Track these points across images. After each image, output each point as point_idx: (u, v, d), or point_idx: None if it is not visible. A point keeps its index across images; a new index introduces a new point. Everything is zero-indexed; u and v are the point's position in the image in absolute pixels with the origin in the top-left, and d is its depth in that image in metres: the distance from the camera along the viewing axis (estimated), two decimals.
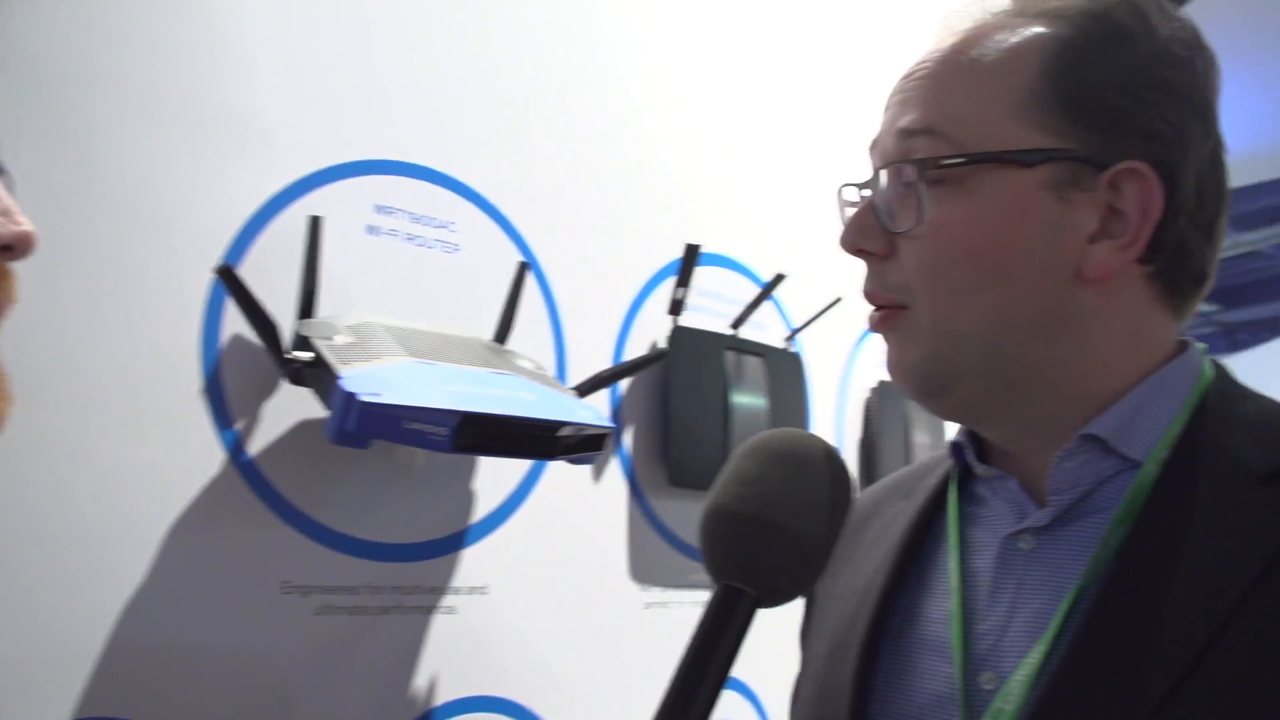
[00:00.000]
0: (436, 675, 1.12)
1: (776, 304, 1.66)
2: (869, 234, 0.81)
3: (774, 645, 1.50)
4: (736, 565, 0.70)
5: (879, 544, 0.91)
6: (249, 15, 1.06)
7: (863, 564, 0.91)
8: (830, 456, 0.75)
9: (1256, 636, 0.65)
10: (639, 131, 1.48)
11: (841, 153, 1.87)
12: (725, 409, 1.45)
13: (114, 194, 0.96)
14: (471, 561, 1.17)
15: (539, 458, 1.04)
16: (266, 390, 1.04)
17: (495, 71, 1.29)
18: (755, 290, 1.59)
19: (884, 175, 0.81)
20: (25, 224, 0.65)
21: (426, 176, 1.20)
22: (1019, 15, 0.81)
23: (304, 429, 1.06)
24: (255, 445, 1.02)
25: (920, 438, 1.83)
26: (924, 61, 0.82)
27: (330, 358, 0.96)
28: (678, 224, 1.50)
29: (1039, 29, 0.79)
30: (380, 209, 1.15)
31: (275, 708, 1.00)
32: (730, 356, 1.49)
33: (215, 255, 1.02)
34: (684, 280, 1.43)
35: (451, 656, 1.13)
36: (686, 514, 1.45)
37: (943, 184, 0.77)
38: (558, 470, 1.27)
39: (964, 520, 0.86)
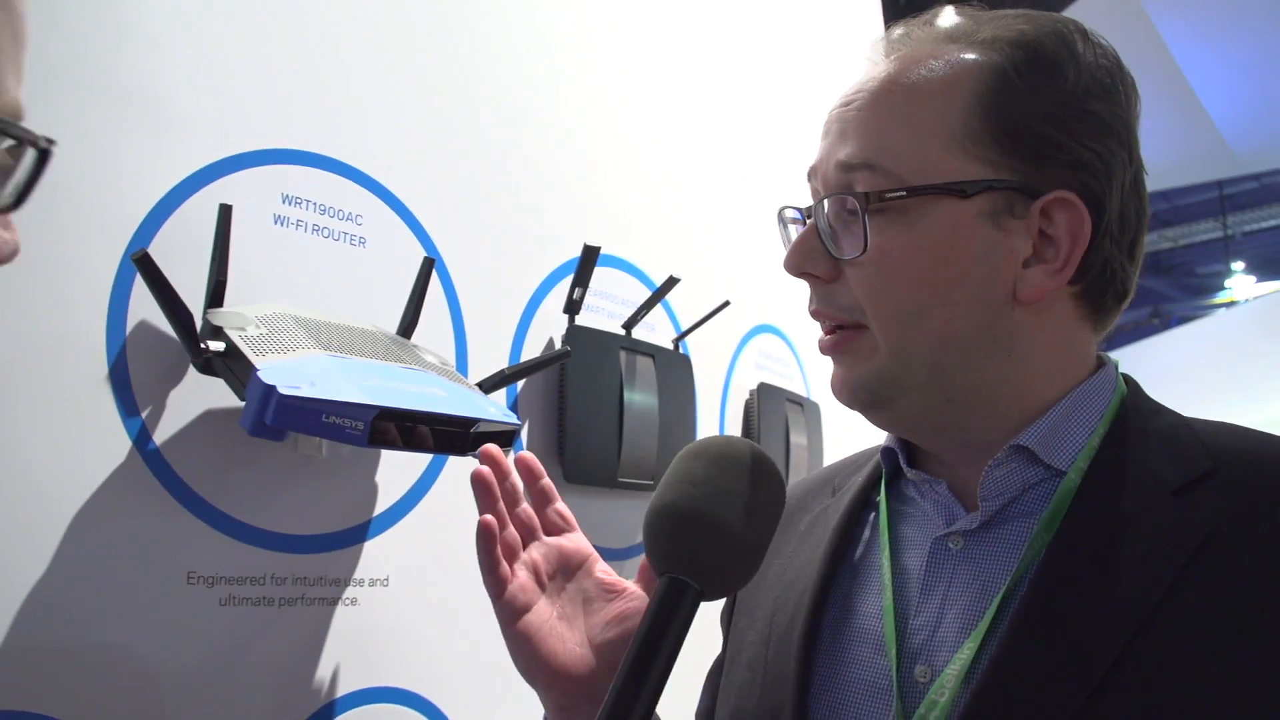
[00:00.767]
0: (339, 666, 1.12)
1: (666, 306, 1.71)
2: (814, 259, 0.85)
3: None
4: (684, 560, 0.72)
5: (809, 538, 0.96)
6: None
7: (793, 556, 0.96)
8: (766, 461, 0.79)
9: (1175, 634, 0.72)
10: (542, 135, 1.51)
11: (736, 163, 1.94)
12: (620, 408, 1.49)
13: None
14: (373, 554, 1.18)
15: (451, 453, 1.06)
16: (173, 378, 1.03)
17: (406, 70, 1.30)
18: (645, 292, 1.63)
19: (826, 204, 0.84)
20: (15, 234, 0.63)
21: (335, 169, 1.20)
22: (950, 42, 0.86)
23: (210, 418, 1.05)
24: (161, 434, 1.01)
25: (798, 439, 1.91)
26: (859, 90, 0.86)
27: (245, 349, 0.96)
28: (575, 225, 1.53)
29: (971, 57, 0.83)
30: (288, 199, 1.15)
31: (180, 698, 0.99)
32: (624, 356, 1.53)
33: (121, 240, 1.00)
34: (581, 280, 1.46)
35: (354, 648, 1.14)
36: (581, 509, 1.47)
37: (884, 214, 0.81)
38: (457, 465, 1.29)
39: (893, 519, 0.92)
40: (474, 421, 1.05)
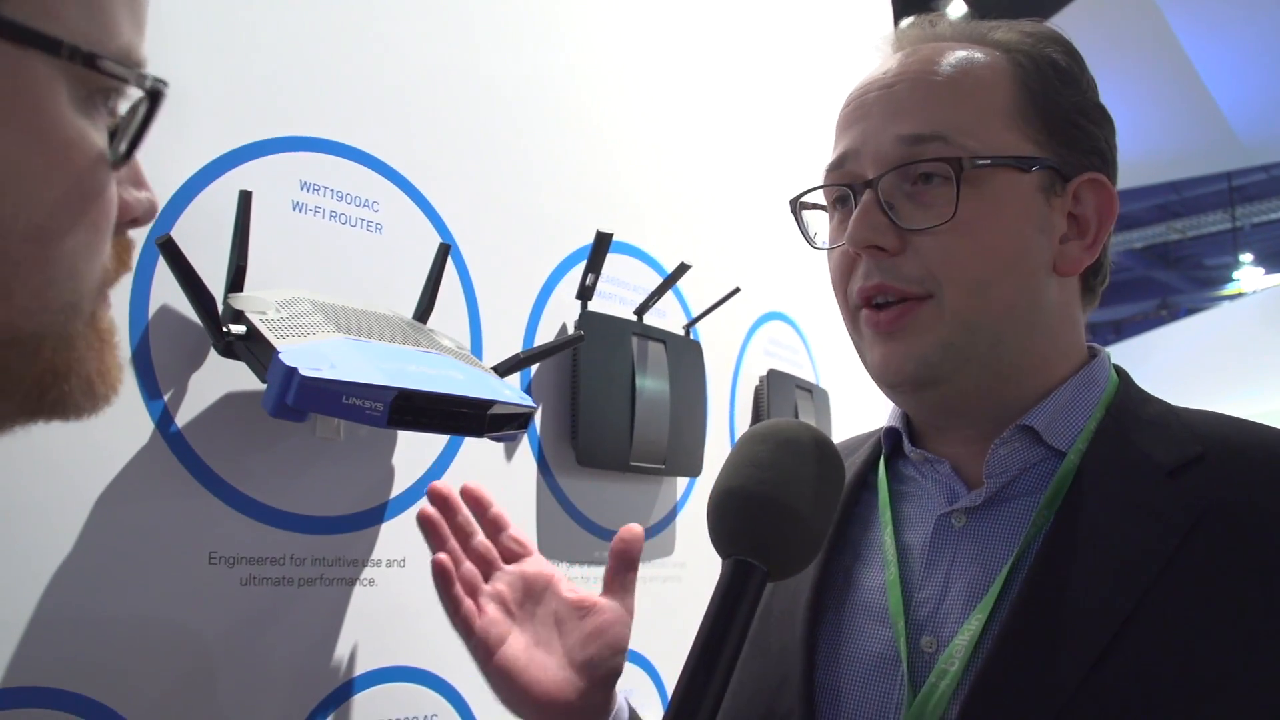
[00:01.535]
0: (357, 645, 1.14)
1: (677, 293, 1.72)
2: (882, 231, 0.86)
3: (662, 617, 1.57)
4: (751, 542, 0.72)
5: None
6: None
7: None
8: (828, 445, 0.80)
9: (1174, 605, 0.75)
10: (556, 124, 1.52)
11: (747, 153, 1.95)
12: (632, 393, 1.50)
13: None
14: (391, 535, 1.19)
15: (468, 434, 1.07)
16: (194, 362, 1.05)
17: (423, 59, 1.31)
18: (657, 279, 1.65)
19: (888, 177, 0.86)
20: (153, 192, 0.61)
21: (353, 156, 1.21)
22: (974, 39, 0.91)
23: (231, 401, 1.06)
24: (183, 416, 1.03)
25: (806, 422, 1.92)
26: (899, 74, 0.88)
27: (266, 332, 0.97)
28: (588, 213, 1.55)
29: (1002, 52, 0.89)
30: (306, 186, 1.16)
31: (201, 677, 1.01)
32: (636, 342, 1.54)
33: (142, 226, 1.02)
34: (594, 267, 1.47)
35: (371, 627, 1.16)
36: (593, 493, 1.50)
37: (964, 183, 0.84)
38: (471, 448, 1.31)
39: (893, 498, 0.94)
40: (491, 403, 1.06)
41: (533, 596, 1.01)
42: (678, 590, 1.64)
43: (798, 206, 0.97)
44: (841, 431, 2.06)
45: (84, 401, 0.59)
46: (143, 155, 1.01)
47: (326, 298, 1.11)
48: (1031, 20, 0.92)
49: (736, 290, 1.71)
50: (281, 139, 1.14)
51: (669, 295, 1.69)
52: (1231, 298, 15.19)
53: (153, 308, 1.02)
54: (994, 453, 0.86)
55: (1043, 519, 0.83)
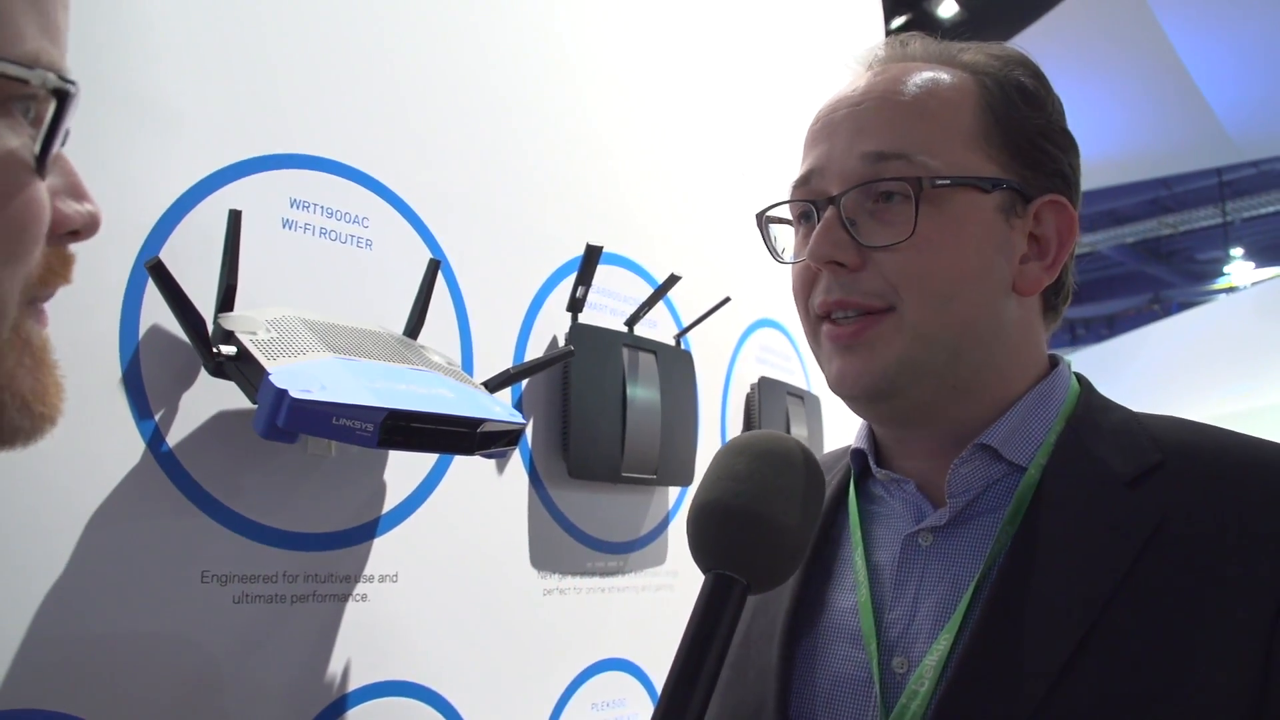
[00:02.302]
0: (350, 661, 1.15)
1: (668, 303, 1.73)
2: (843, 247, 0.88)
3: (655, 626, 1.57)
4: (731, 555, 0.73)
5: None
6: (162, 2, 1.06)
7: None
8: (807, 456, 0.81)
9: (1134, 615, 0.76)
10: (545, 138, 1.53)
11: (735, 163, 1.95)
12: (623, 404, 1.51)
13: None
14: (382, 551, 1.20)
15: (459, 453, 1.08)
16: (184, 381, 1.05)
17: (411, 74, 1.32)
18: (648, 289, 1.65)
19: (851, 194, 0.88)
20: (94, 205, 0.59)
21: (342, 172, 1.22)
22: (942, 60, 0.92)
23: (222, 420, 1.07)
24: (174, 436, 1.03)
25: (798, 431, 1.93)
26: (864, 93, 0.90)
27: (257, 353, 0.98)
28: (578, 225, 1.55)
29: (970, 73, 0.90)
30: (296, 203, 1.17)
31: (194, 695, 1.01)
32: (626, 353, 1.55)
33: (133, 245, 1.02)
34: (584, 279, 1.48)
35: (364, 643, 1.16)
36: (585, 505, 1.50)
37: (925, 201, 0.85)
38: (463, 463, 1.31)
39: (863, 518, 0.95)
40: (480, 422, 1.07)
41: None
42: (670, 599, 1.65)
43: (764, 221, 0.98)
44: (832, 437, 2.07)
45: (21, 421, 0.56)
46: (132, 175, 1.02)
47: (317, 315, 1.12)
48: (999, 44, 0.94)
49: (727, 299, 1.72)
50: (270, 156, 1.15)
51: (660, 305, 1.69)
52: (1224, 291, 15.24)
53: (143, 328, 1.02)
54: (955, 472, 0.87)
55: (1006, 535, 0.84)
